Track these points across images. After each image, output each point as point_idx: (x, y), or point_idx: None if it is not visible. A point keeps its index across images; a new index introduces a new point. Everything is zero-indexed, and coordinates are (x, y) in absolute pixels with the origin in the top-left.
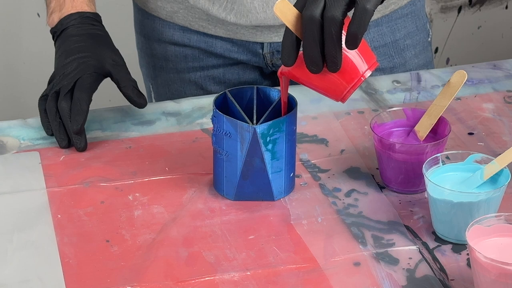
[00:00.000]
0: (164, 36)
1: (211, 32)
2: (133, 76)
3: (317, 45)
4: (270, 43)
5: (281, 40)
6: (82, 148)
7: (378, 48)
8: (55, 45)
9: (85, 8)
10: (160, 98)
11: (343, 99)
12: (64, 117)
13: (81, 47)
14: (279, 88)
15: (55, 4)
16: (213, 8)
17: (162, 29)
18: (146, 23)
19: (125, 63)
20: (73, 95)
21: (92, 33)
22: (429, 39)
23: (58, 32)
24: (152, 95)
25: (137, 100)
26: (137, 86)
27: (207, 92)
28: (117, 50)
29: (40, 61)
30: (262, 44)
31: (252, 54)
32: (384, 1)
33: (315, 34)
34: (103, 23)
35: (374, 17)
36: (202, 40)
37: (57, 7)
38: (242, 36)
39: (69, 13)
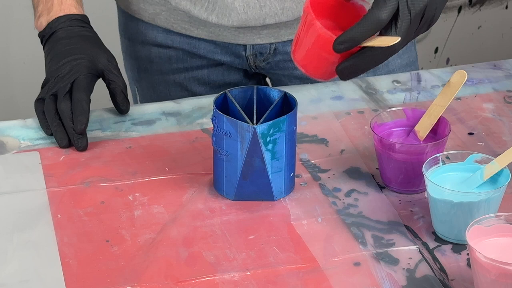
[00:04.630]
0: (148, 38)
1: (193, 34)
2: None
3: (366, 37)
4: (253, 45)
5: (263, 42)
6: (83, 148)
7: None
8: (44, 49)
9: (73, 10)
10: (146, 100)
11: (315, 77)
12: (64, 118)
13: (73, 49)
14: (279, 88)
15: (43, 7)
16: (195, 9)
17: (145, 31)
18: (130, 26)
19: (117, 64)
20: (72, 96)
21: (82, 35)
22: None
23: (46, 36)
24: (138, 98)
25: (121, 105)
26: (126, 91)
27: (192, 94)
28: (108, 51)
29: (40, 61)
30: (244, 46)
31: (235, 56)
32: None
33: (372, 32)
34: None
35: None
36: (185, 41)
37: (45, 10)
38: (225, 38)
39: (57, 16)
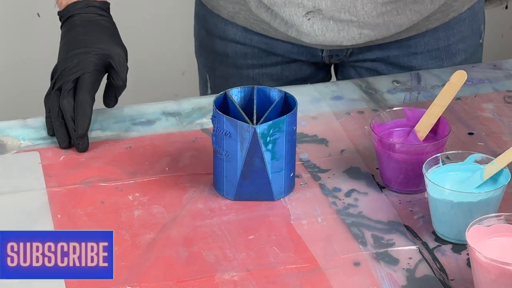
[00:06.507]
0: (227, 34)
1: (272, 35)
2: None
3: None
4: (330, 49)
5: (341, 47)
6: (84, 150)
7: (431, 52)
8: (61, 28)
9: None
10: (216, 89)
11: None
12: (66, 118)
13: (84, 41)
14: (279, 88)
15: None
16: (275, 22)
17: (225, 27)
18: (209, 19)
19: (126, 58)
20: (75, 94)
21: (98, 24)
22: (481, 40)
23: (64, 17)
24: (208, 85)
25: (109, 101)
26: (121, 93)
27: None
28: (121, 43)
29: (40, 61)
30: (322, 49)
31: (311, 55)
32: (445, 10)
33: None
34: None
35: (434, 25)
36: (263, 41)
37: None
38: (303, 43)
39: (75, 0)
